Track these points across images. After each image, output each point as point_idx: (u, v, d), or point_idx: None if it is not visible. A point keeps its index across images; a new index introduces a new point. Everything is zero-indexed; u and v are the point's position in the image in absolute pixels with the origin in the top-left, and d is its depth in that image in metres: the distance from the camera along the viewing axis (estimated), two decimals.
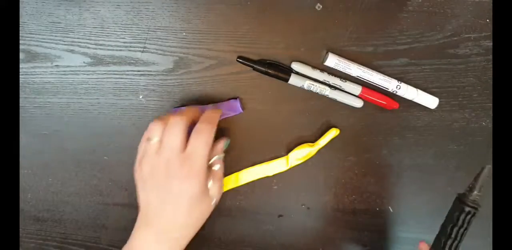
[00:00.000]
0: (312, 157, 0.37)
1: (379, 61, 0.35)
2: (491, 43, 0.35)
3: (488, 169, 0.29)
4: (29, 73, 0.35)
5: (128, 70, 0.35)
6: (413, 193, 0.40)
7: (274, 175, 0.38)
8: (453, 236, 0.30)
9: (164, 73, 0.35)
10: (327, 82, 0.35)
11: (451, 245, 0.30)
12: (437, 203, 0.40)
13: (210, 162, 0.32)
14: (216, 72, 0.35)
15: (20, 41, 0.34)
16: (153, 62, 0.34)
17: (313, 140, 0.37)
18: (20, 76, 0.35)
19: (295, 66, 0.34)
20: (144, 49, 0.34)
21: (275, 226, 0.40)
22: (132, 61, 0.34)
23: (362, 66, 0.34)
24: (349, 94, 0.35)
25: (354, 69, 0.34)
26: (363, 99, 0.36)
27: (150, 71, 0.35)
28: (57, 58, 0.34)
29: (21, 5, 0.32)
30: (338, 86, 0.35)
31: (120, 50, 0.34)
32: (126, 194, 0.39)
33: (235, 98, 0.35)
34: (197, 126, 0.30)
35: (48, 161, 0.38)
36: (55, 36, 0.34)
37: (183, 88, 0.35)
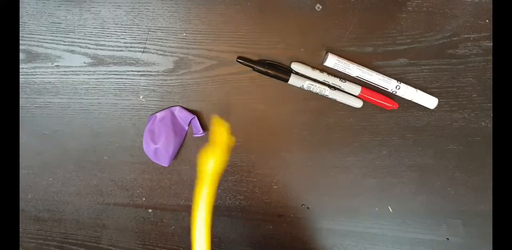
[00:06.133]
0: (311, 157, 0.37)
1: (379, 62, 0.35)
2: (491, 44, 0.35)
3: None
4: (29, 73, 0.35)
5: (128, 71, 0.35)
6: (412, 193, 0.40)
7: (274, 175, 0.38)
8: None
9: (165, 73, 0.35)
10: (327, 83, 0.35)
11: None
12: (436, 203, 0.40)
13: None
14: (216, 72, 0.35)
15: (21, 42, 0.34)
16: (153, 63, 0.35)
17: (312, 140, 0.37)
18: (21, 76, 0.35)
19: (295, 66, 0.34)
20: (145, 50, 0.34)
21: (275, 226, 0.40)
22: (132, 61, 0.35)
23: (361, 66, 0.34)
24: (349, 95, 0.35)
25: (354, 70, 0.34)
26: (362, 100, 0.36)
27: (151, 71, 0.35)
28: (58, 59, 0.34)
29: (21, 6, 0.33)
30: (338, 87, 0.35)
31: (121, 50, 0.34)
32: (126, 193, 0.39)
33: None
34: None
35: (49, 161, 0.38)
36: (56, 36, 0.34)
37: (184, 89, 0.35)
